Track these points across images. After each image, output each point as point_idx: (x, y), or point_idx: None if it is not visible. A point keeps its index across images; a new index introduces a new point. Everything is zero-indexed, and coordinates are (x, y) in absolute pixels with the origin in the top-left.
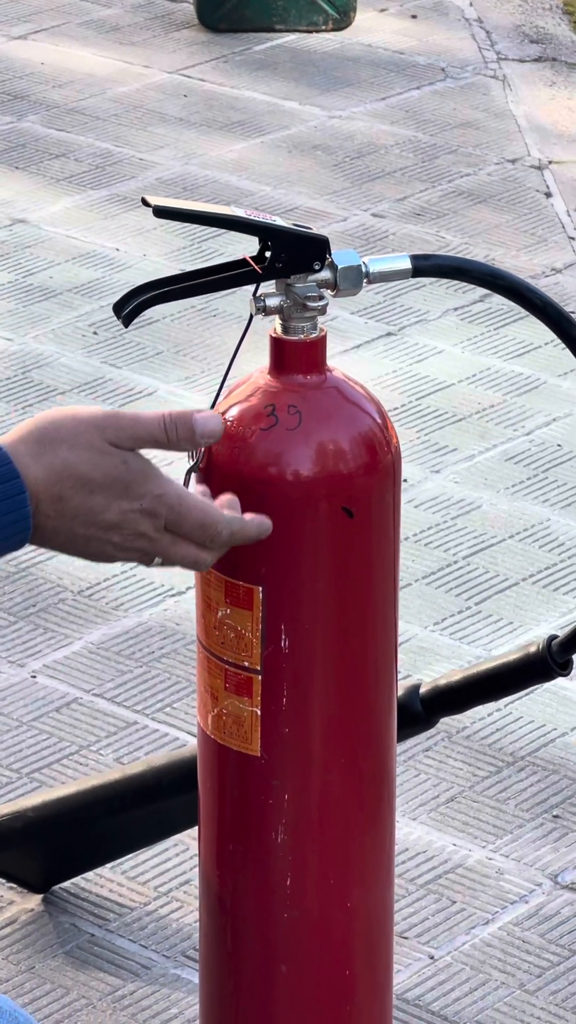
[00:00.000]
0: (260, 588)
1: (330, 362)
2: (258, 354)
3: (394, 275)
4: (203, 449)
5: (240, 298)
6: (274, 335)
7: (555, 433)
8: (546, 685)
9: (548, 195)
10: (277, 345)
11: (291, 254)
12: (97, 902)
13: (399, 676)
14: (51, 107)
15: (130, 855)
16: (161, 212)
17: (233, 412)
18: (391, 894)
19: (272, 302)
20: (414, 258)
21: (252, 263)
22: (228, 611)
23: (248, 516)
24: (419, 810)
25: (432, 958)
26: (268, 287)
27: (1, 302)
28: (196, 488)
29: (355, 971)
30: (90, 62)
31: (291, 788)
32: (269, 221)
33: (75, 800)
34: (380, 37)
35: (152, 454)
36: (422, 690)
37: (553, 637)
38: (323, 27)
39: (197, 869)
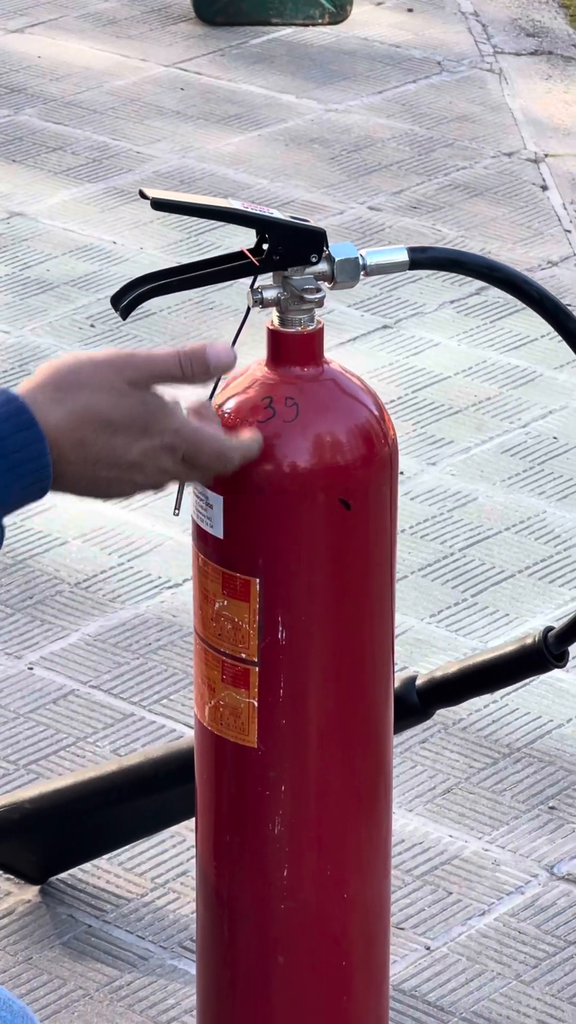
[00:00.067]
0: (257, 580)
1: (327, 355)
2: (255, 347)
3: (391, 267)
4: None
5: (237, 291)
6: (271, 327)
7: (551, 425)
8: (542, 677)
9: (544, 188)
10: (274, 337)
11: (288, 246)
12: (94, 893)
13: (395, 668)
14: (48, 100)
15: (127, 846)
16: (159, 205)
17: (230, 404)
18: (388, 885)
19: (269, 294)
20: (411, 250)
21: (249, 256)
22: (225, 603)
23: (248, 436)
24: (415, 802)
25: (428, 949)
26: (265, 279)
27: None
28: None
29: (352, 962)
30: (87, 55)
31: (288, 779)
32: (266, 214)
33: (72, 792)
34: (376, 31)
35: None
36: (418, 682)
37: (549, 629)
38: (319, 21)
39: (194, 860)
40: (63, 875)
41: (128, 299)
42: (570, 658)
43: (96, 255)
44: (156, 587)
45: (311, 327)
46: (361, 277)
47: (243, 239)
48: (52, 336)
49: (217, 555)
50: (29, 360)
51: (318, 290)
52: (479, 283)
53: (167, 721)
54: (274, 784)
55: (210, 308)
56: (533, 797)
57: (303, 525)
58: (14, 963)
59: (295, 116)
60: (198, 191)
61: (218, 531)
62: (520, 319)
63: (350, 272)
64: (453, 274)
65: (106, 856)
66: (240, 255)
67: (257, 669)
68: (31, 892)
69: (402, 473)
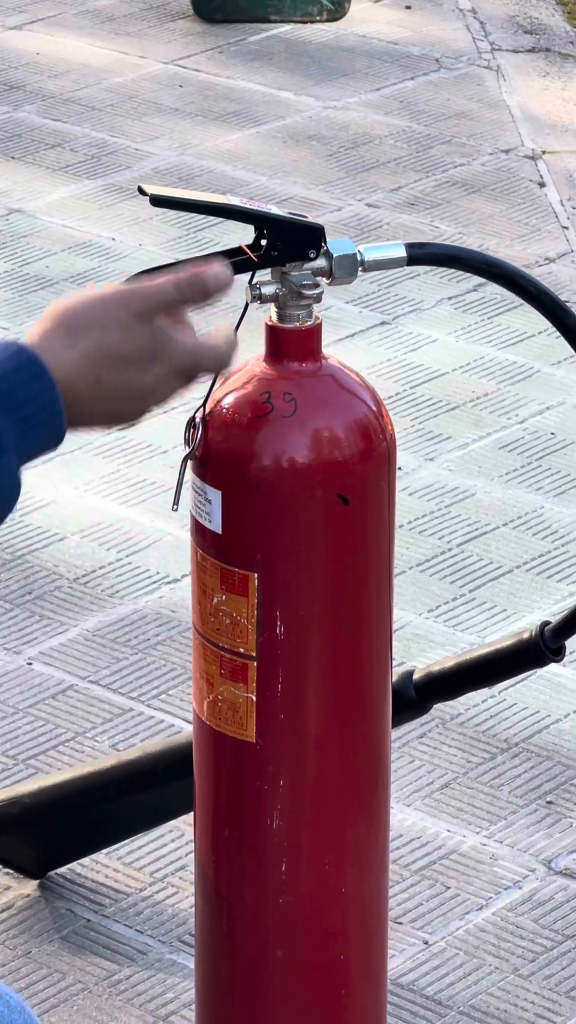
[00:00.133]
0: (255, 575)
1: (325, 351)
2: (253, 343)
3: (389, 263)
4: (199, 437)
5: (235, 287)
6: (269, 323)
7: (548, 421)
8: (539, 672)
9: (542, 185)
10: (273, 333)
11: (287, 242)
12: (93, 888)
13: (393, 663)
14: (47, 97)
15: (126, 841)
16: (158, 201)
17: (229, 399)
18: (386, 879)
19: (268, 290)
20: (409, 246)
21: (248, 251)
22: (224, 598)
23: (225, 334)
24: (413, 796)
25: (426, 943)
26: (264, 275)
27: None
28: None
29: (350, 956)
30: (86, 52)
31: (286, 774)
32: (265, 210)
33: (71, 786)
34: (374, 28)
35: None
36: (416, 676)
37: (546, 623)
38: (318, 18)
39: (192, 855)
40: (62, 869)
41: None
42: (567, 652)
43: (95, 252)
44: (155, 583)
45: (309, 323)
46: (359, 273)
47: (241, 236)
48: None
49: (215, 550)
50: None
51: (316, 286)
52: (477, 280)
53: (165, 716)
54: (272, 778)
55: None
56: (531, 792)
57: (301, 520)
58: (13, 957)
59: (293, 113)
60: (196, 188)
61: (216, 526)
62: (518, 315)
63: (348, 268)
64: (451, 271)
65: (105, 851)
66: (238, 251)
67: (255, 664)
68: (30, 886)
69: (400, 469)
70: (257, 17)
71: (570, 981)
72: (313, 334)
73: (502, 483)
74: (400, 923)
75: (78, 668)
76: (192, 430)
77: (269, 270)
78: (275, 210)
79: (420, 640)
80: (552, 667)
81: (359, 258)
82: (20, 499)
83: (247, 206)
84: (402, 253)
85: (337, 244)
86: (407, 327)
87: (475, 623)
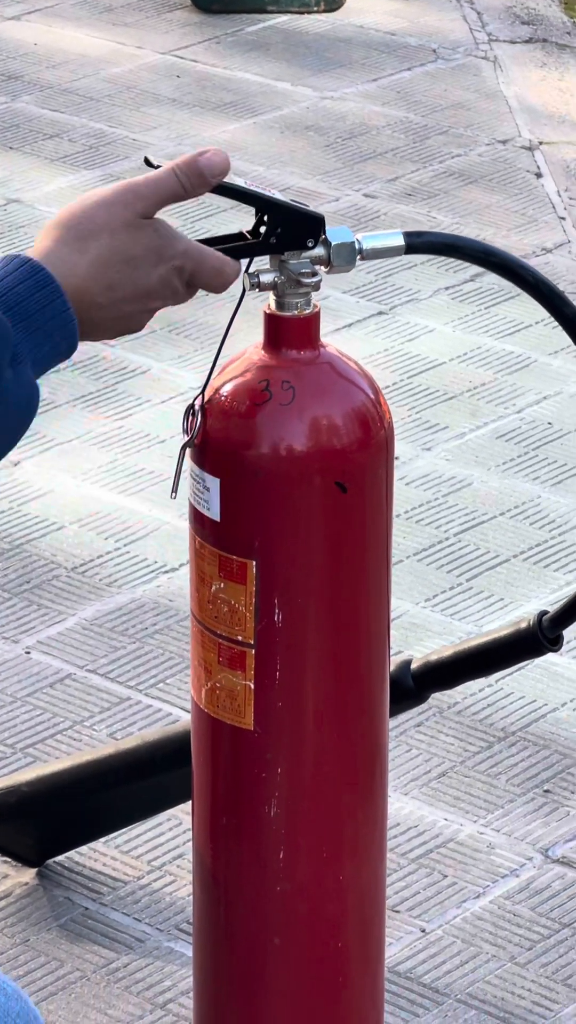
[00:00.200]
0: (254, 562)
1: (322, 340)
2: (250, 332)
3: (387, 252)
4: (198, 425)
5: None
6: (268, 311)
7: (545, 411)
8: (537, 660)
9: (539, 175)
10: (271, 321)
11: (287, 229)
12: (91, 876)
13: (391, 651)
14: (44, 87)
15: (124, 829)
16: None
17: (228, 387)
18: (383, 868)
19: (266, 278)
20: (407, 235)
21: (247, 236)
22: (222, 585)
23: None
24: (410, 785)
25: (423, 931)
26: (262, 263)
27: None
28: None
29: (347, 944)
30: (83, 43)
31: (284, 762)
32: (268, 193)
33: (69, 775)
34: (371, 18)
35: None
36: (413, 665)
37: (544, 613)
38: (315, 8)
39: (190, 843)
40: (60, 858)
41: None
42: (564, 642)
43: None
44: (152, 571)
45: (308, 311)
46: (357, 261)
47: (239, 227)
48: None
49: (214, 538)
50: None
51: (315, 274)
52: (474, 270)
53: (163, 705)
54: (270, 766)
55: (205, 295)
56: (528, 781)
57: (299, 508)
58: (11, 945)
59: (290, 104)
60: None
61: (215, 514)
62: (515, 305)
63: (346, 256)
64: (448, 260)
65: (103, 839)
66: (236, 237)
67: (253, 651)
68: (28, 875)
69: (397, 458)
70: (254, 7)
71: (567, 969)
72: (311, 322)
73: (499, 472)
74: (397, 911)
75: (76, 657)
76: (191, 418)
77: (268, 258)
78: (278, 195)
79: (417, 629)
80: (549, 656)
81: (357, 246)
82: (18, 489)
83: (250, 187)
84: (400, 242)
85: (335, 233)
86: (404, 317)
87: (472, 612)
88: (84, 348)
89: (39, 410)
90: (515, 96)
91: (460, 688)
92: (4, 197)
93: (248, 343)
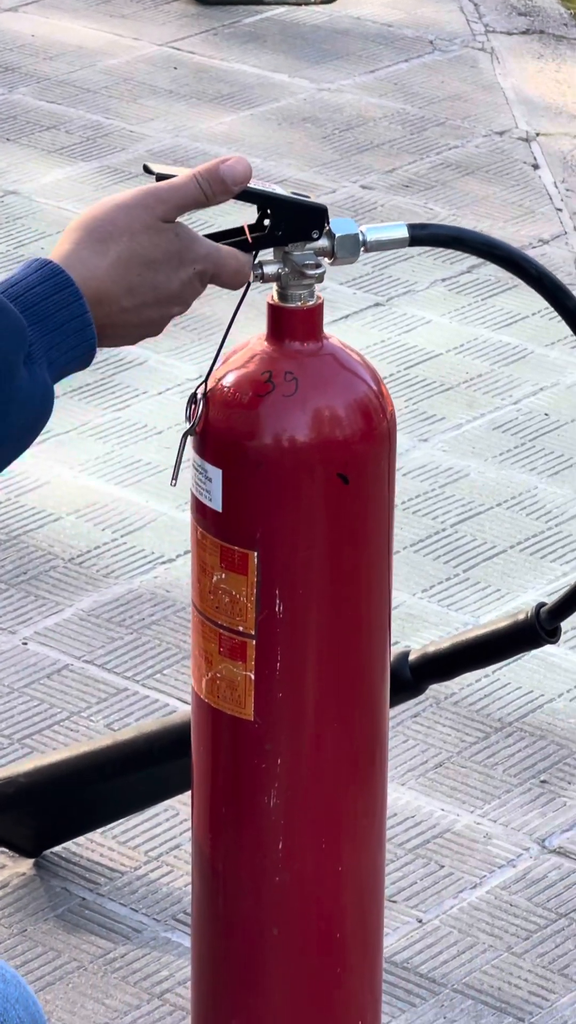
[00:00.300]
0: (255, 553)
1: None
2: (249, 323)
3: (391, 244)
4: (200, 413)
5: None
6: (272, 302)
7: (542, 402)
8: (534, 651)
9: (536, 167)
10: (275, 312)
11: (290, 222)
12: (88, 866)
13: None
14: (42, 79)
15: (121, 820)
16: (163, 180)
17: (230, 378)
18: (382, 858)
19: (270, 269)
20: (411, 227)
21: (247, 233)
22: (223, 576)
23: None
24: (407, 775)
25: (420, 921)
26: (266, 255)
27: None
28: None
29: (346, 934)
30: (80, 34)
31: (284, 752)
32: (270, 190)
33: (67, 766)
34: (369, 10)
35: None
36: (411, 657)
37: (542, 605)
38: (312, 0)
39: (187, 833)
40: (57, 848)
41: None
42: (562, 633)
43: None
44: (150, 562)
45: (311, 302)
46: (361, 253)
47: (236, 218)
48: None
49: (215, 528)
50: None
51: (318, 266)
52: (471, 261)
53: (160, 696)
54: (270, 757)
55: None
56: (525, 771)
57: (301, 499)
58: (8, 935)
59: (287, 95)
60: (187, 168)
61: (217, 504)
62: (511, 297)
63: (350, 248)
64: (445, 252)
65: (100, 830)
66: (237, 231)
67: (254, 642)
68: (25, 865)
69: None
70: None
71: (563, 959)
72: (315, 313)
73: (496, 464)
74: (394, 901)
75: (73, 648)
76: (193, 406)
77: (271, 249)
78: (279, 190)
79: (414, 620)
80: (546, 647)
81: (361, 238)
82: (15, 480)
83: (252, 186)
84: (404, 234)
85: (339, 224)
86: (401, 308)
87: (469, 603)
88: None
89: None
90: (512, 87)
91: (457, 679)
92: (2, 189)
93: (247, 333)
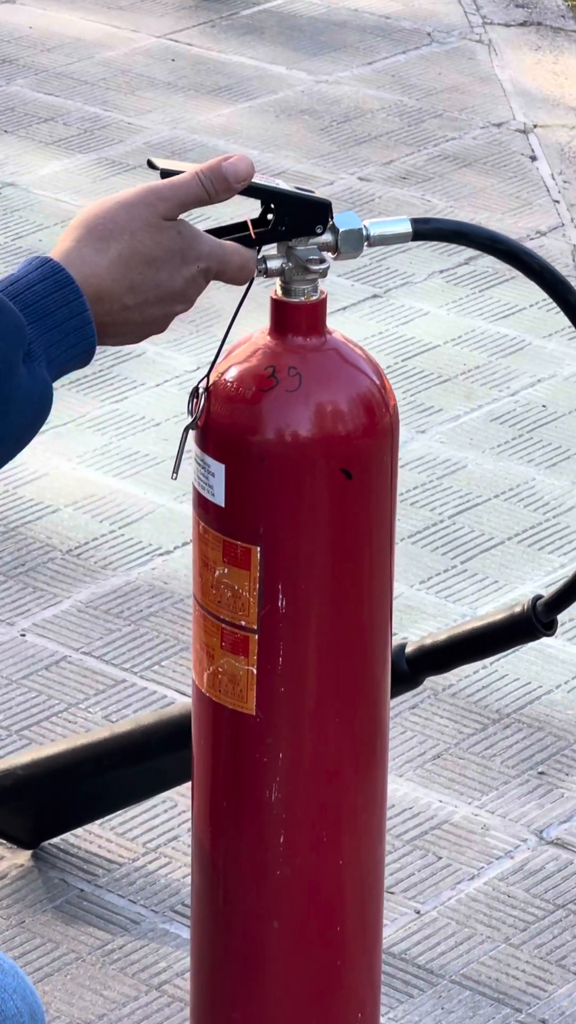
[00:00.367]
0: (258, 548)
1: None
2: (248, 316)
3: (395, 238)
4: (201, 407)
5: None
6: (275, 297)
7: (539, 394)
8: (531, 643)
9: (533, 159)
10: (278, 307)
11: (294, 217)
12: (86, 858)
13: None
14: (39, 71)
15: (119, 812)
16: (167, 175)
17: (233, 373)
18: (382, 852)
19: (273, 264)
20: (414, 221)
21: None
22: (226, 570)
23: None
24: (405, 767)
25: (418, 913)
26: (269, 249)
27: None
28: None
29: (346, 927)
30: (78, 26)
31: (285, 746)
32: (273, 185)
33: (65, 758)
34: (366, 2)
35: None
36: (408, 650)
37: (538, 597)
38: None
39: (185, 825)
40: (55, 840)
41: None
42: (559, 625)
43: None
44: (147, 554)
45: (314, 297)
46: (364, 248)
47: (236, 211)
48: None
49: (218, 523)
50: None
51: (322, 261)
52: (468, 253)
53: (158, 687)
54: (271, 751)
55: None
56: (523, 762)
57: (304, 494)
58: (7, 927)
59: (285, 87)
60: (190, 162)
61: (219, 499)
62: (509, 288)
63: (354, 243)
64: (442, 244)
65: (98, 821)
66: (240, 226)
67: (256, 637)
68: (24, 856)
69: None
70: None
71: (561, 950)
72: (318, 308)
73: (493, 455)
74: (392, 893)
75: (71, 639)
76: (195, 400)
77: (275, 244)
78: (283, 185)
79: (412, 611)
80: (543, 638)
81: (365, 233)
82: (13, 471)
83: (255, 181)
84: (407, 228)
85: (343, 219)
86: (399, 300)
87: (467, 594)
88: None
89: None
90: (510, 79)
91: (455, 670)
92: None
93: (247, 326)
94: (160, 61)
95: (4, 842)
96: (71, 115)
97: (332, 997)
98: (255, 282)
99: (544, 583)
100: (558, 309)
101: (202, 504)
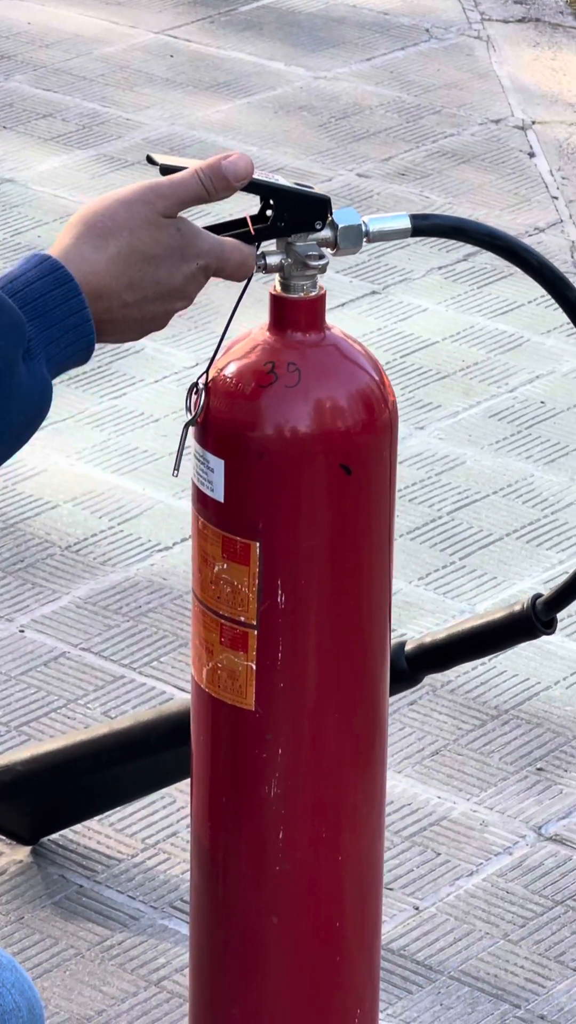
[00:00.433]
0: (257, 544)
1: None
2: (248, 312)
3: (394, 234)
4: (201, 403)
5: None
6: (274, 293)
7: (538, 390)
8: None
9: (531, 155)
10: (277, 303)
11: (293, 213)
12: (85, 854)
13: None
14: (38, 67)
15: (118, 808)
16: (167, 171)
17: (232, 368)
18: (381, 847)
19: (273, 260)
20: (413, 217)
21: (250, 224)
22: (225, 566)
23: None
24: (404, 763)
25: (417, 909)
26: (269, 245)
27: None
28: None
29: (345, 923)
30: (77, 22)
31: (284, 742)
32: (272, 180)
33: (64, 754)
34: None
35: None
36: (408, 647)
37: (538, 596)
38: None
39: (184, 821)
40: (54, 836)
41: None
42: (558, 623)
43: None
44: (146, 550)
45: (313, 293)
46: (364, 244)
47: (234, 207)
48: None
49: (217, 519)
50: None
51: (321, 257)
52: (467, 249)
53: (157, 683)
54: (270, 747)
55: None
56: (521, 759)
57: (304, 490)
58: (6, 923)
59: (284, 83)
60: (188, 158)
61: (219, 495)
62: (507, 285)
63: (353, 239)
64: (441, 240)
65: (97, 817)
66: (240, 222)
67: (256, 632)
68: (23, 852)
69: None
70: None
71: (559, 946)
72: (317, 304)
73: (492, 451)
74: (391, 889)
75: (70, 635)
76: (194, 396)
77: (274, 240)
78: (282, 180)
79: (410, 607)
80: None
81: (364, 229)
82: (12, 468)
83: (255, 177)
84: (407, 224)
85: (342, 215)
86: (397, 296)
87: (465, 591)
88: None
89: None
90: (508, 76)
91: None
92: None
93: (246, 321)
94: (158, 57)
95: (3, 838)
96: (70, 111)
97: (331, 993)
98: (254, 278)
99: (542, 579)
100: (556, 305)
101: (201, 500)
